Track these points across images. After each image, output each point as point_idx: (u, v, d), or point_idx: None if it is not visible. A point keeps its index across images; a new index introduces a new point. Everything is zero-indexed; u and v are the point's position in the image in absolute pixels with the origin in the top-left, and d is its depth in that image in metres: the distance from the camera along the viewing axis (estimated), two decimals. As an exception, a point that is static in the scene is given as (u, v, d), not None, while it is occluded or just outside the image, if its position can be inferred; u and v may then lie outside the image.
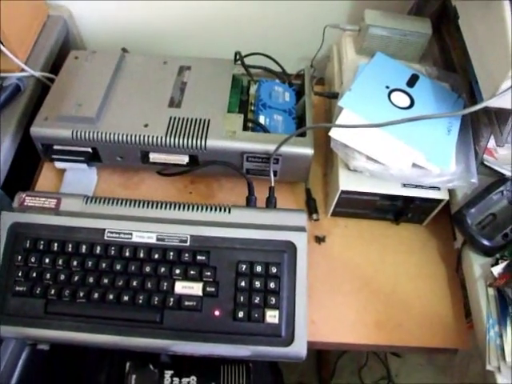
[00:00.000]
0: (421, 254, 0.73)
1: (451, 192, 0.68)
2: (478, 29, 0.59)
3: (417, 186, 0.66)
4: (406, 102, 0.68)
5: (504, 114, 0.64)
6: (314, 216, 0.73)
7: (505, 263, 0.62)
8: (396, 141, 0.63)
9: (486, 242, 0.63)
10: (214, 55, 0.83)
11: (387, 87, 0.69)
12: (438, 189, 0.67)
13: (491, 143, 0.68)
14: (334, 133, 0.63)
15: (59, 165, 0.74)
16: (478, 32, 0.59)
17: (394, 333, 0.66)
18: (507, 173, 0.67)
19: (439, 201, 0.68)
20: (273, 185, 0.69)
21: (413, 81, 0.70)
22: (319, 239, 0.72)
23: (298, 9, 0.90)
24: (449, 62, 0.76)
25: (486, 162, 0.68)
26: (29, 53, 0.83)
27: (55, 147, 0.71)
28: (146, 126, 0.68)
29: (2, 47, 0.76)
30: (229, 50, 0.80)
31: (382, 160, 0.63)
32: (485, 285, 0.62)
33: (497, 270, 0.62)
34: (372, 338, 0.66)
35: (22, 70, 0.80)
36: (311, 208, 0.74)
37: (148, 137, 0.67)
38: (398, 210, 0.72)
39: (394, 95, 0.68)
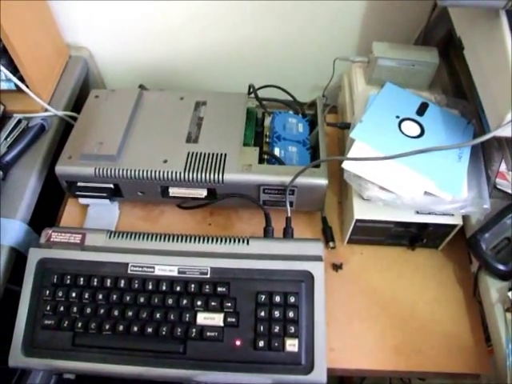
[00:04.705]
0: (437, 279, 0.73)
1: (465, 216, 0.68)
2: (483, 60, 0.61)
3: (430, 213, 0.67)
4: (417, 130, 0.69)
5: (514, 140, 0.65)
6: (331, 244, 0.75)
7: (522, 287, 0.62)
8: (407, 170, 0.64)
9: (501, 267, 0.63)
10: (228, 88, 0.86)
11: (397, 117, 0.70)
12: (452, 214, 0.67)
13: (503, 166, 0.69)
14: (347, 164, 0.65)
15: (83, 201, 0.77)
16: (482, 63, 0.61)
17: (413, 358, 0.66)
18: (522, 196, 0.67)
19: (453, 226, 0.68)
20: (289, 215, 0.70)
21: (422, 109, 0.72)
22: (336, 267, 0.73)
23: (308, 41, 0.92)
24: (458, 87, 0.77)
25: (499, 186, 0.69)
26: (52, 93, 0.87)
27: (79, 184, 0.73)
28: (165, 161, 0.71)
29: (27, 89, 0.80)
30: (242, 82, 0.83)
31: (394, 189, 0.64)
32: (503, 309, 0.62)
33: (514, 295, 0.62)
34: (391, 364, 0.66)
35: (46, 110, 0.84)
36: (327, 236, 0.75)
37: (167, 172, 0.70)
38: (412, 235, 0.73)
39: (404, 124, 0.70)
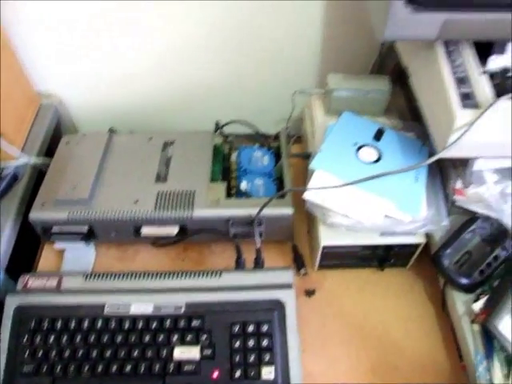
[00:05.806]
0: (408, 297, 0.75)
1: (429, 234, 0.71)
2: (425, 87, 0.64)
3: (393, 234, 0.69)
4: (374, 155, 0.72)
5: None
6: (302, 271, 0.76)
7: (484, 298, 0.64)
8: (367, 194, 0.67)
9: (464, 281, 0.65)
10: (196, 125, 0.89)
11: (355, 144, 0.73)
12: (414, 234, 0.70)
13: (460, 184, 0.72)
14: (308, 195, 0.68)
15: (59, 245, 0.78)
16: (425, 90, 0.65)
17: (390, 376, 0.68)
18: (479, 210, 0.69)
19: (417, 245, 0.71)
20: (259, 246, 0.72)
21: (379, 135, 0.75)
22: (309, 293, 0.75)
23: (270, 77, 0.96)
24: (414, 110, 0.81)
25: (457, 203, 0.72)
26: (24, 142, 0.88)
27: (54, 229, 0.75)
28: (136, 202, 0.73)
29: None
30: (209, 119, 0.86)
31: (355, 215, 0.66)
32: (469, 321, 0.64)
33: (478, 306, 0.64)
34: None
35: (19, 159, 0.85)
36: (299, 263, 0.77)
37: (138, 212, 0.72)
38: (380, 257, 0.75)
39: (362, 151, 0.72)
